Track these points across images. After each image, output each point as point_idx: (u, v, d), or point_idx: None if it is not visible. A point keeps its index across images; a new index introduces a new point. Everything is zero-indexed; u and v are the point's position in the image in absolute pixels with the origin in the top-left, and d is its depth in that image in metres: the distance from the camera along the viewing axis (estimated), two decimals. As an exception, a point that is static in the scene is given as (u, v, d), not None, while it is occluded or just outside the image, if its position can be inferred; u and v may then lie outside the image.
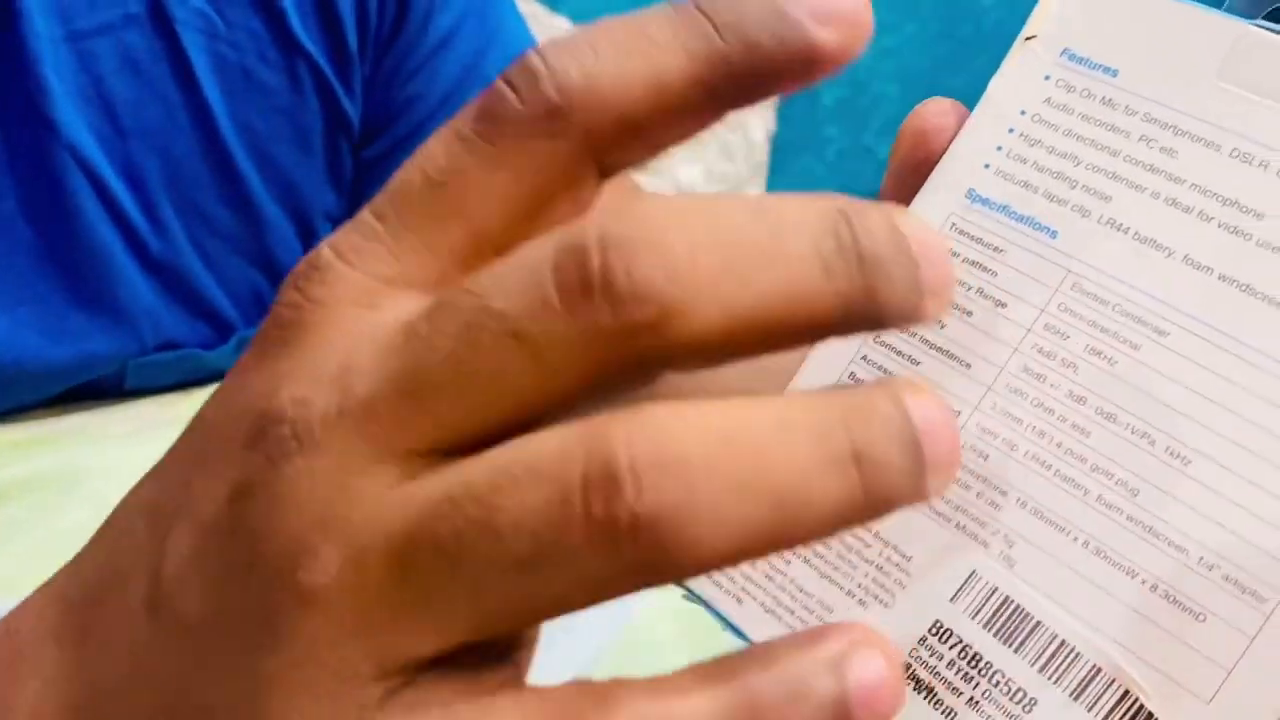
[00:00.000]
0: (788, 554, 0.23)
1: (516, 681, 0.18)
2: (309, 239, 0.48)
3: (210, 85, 0.44)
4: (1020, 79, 0.24)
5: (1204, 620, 0.20)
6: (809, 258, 0.15)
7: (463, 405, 0.16)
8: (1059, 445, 0.22)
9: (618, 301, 0.15)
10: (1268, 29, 0.20)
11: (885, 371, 0.24)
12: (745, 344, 0.16)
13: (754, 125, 1.38)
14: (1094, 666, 0.20)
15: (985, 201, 0.24)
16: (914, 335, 0.23)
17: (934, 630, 0.22)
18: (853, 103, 1.54)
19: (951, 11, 1.55)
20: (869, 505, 0.16)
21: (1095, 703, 0.20)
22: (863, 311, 0.15)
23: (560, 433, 0.16)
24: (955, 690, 0.21)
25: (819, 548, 0.23)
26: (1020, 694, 0.21)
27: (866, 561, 0.23)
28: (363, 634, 0.16)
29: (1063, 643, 0.21)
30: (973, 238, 0.23)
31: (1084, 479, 0.21)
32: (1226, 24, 0.21)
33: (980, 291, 0.23)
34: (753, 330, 0.15)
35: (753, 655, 0.16)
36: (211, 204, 0.45)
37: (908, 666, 0.22)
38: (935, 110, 0.24)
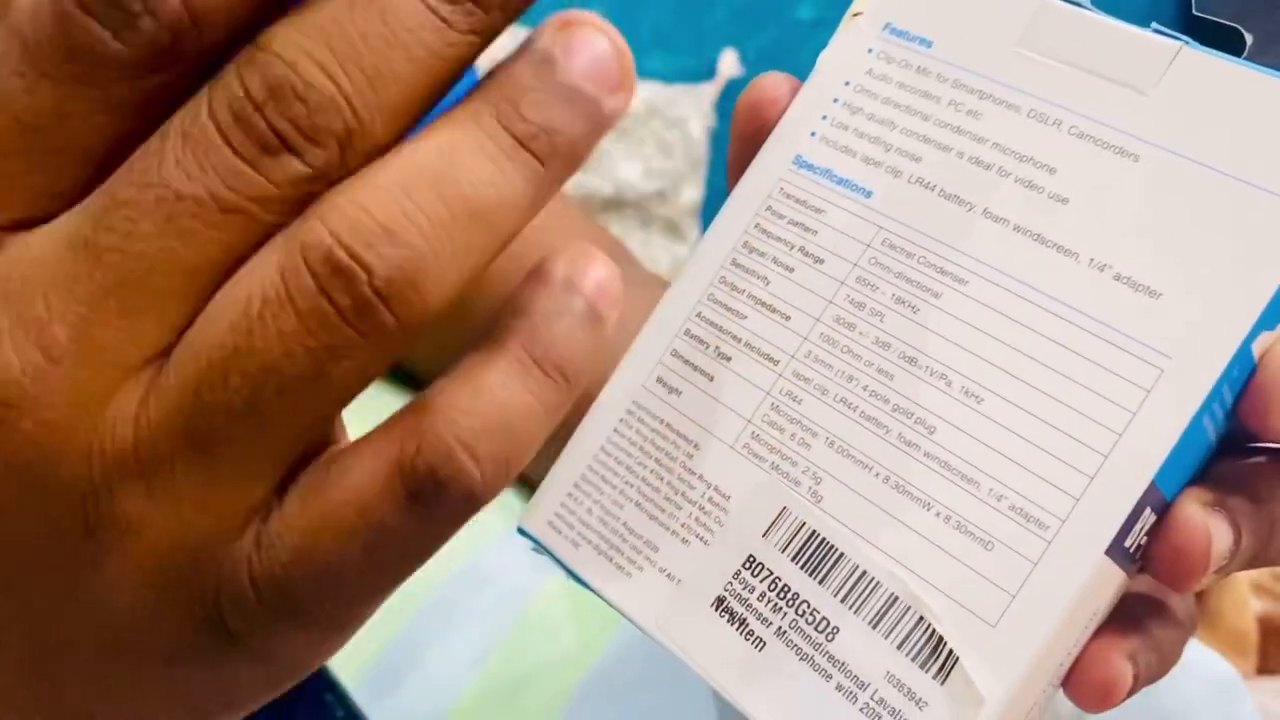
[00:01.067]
0: (620, 499, 0.25)
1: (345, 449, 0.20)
2: None
3: None
4: (846, 52, 0.26)
5: (992, 548, 0.22)
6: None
7: (169, 296, 0.17)
8: (865, 388, 0.23)
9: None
10: (1065, 2, 0.22)
11: (718, 328, 0.25)
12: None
13: (693, 121, 1.38)
14: (892, 595, 0.22)
15: (810, 166, 0.26)
16: (742, 293, 0.25)
17: (747, 564, 0.23)
18: (792, 98, 1.55)
19: (889, 6, 1.56)
20: (563, 164, 0.19)
21: (893, 629, 0.22)
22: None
23: (268, 258, 0.17)
24: (765, 620, 0.23)
25: (649, 491, 0.25)
26: (824, 623, 0.22)
27: (690, 503, 0.24)
28: (200, 518, 0.18)
29: (864, 573, 0.22)
30: (798, 200, 0.25)
31: (886, 419, 0.23)
32: (1152, 43, 0.23)
33: (802, 250, 0.25)
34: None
35: (516, 321, 0.20)
36: None
37: (722, 600, 0.23)
38: (770, 83, 0.26)
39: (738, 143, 0.27)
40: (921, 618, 0.22)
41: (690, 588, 0.23)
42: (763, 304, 0.25)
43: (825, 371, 0.24)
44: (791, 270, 0.25)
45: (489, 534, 0.45)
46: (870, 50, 0.25)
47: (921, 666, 0.22)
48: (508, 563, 0.43)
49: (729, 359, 0.25)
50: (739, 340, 0.25)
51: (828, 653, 0.22)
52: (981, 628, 0.21)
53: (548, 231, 0.54)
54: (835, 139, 0.25)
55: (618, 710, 0.38)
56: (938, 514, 0.22)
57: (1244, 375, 0.22)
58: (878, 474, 0.23)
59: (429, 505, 0.19)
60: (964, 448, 0.22)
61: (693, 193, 1.42)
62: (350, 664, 0.40)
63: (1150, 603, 0.26)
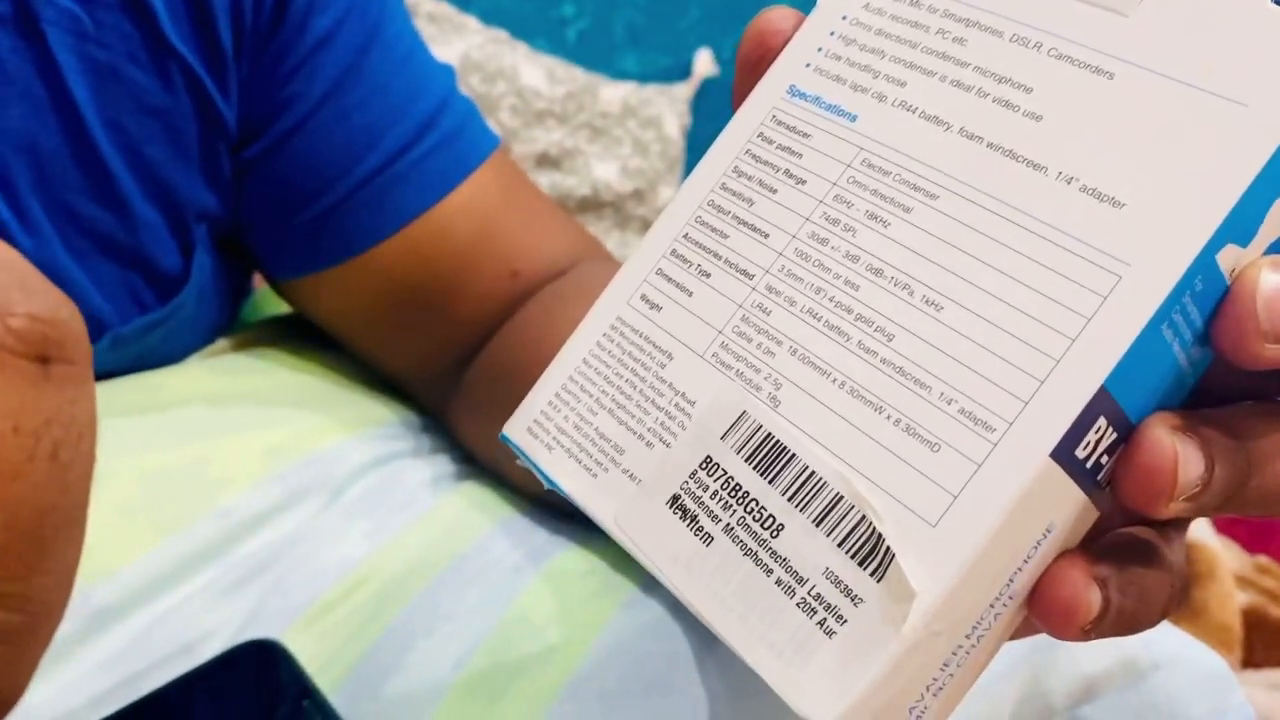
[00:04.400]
0: (595, 407, 0.26)
1: None
2: (184, 238, 0.46)
3: (78, 84, 0.42)
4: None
5: (938, 450, 0.22)
6: None
7: None
8: (831, 299, 0.24)
9: None
10: None
11: (702, 248, 0.26)
12: None
13: (668, 121, 1.37)
14: (837, 494, 0.22)
15: (802, 95, 0.26)
16: (727, 214, 0.26)
17: (703, 464, 0.24)
18: (768, 97, 1.54)
19: (863, 4, 1.56)
20: None
21: (835, 528, 0.22)
22: None
23: None
24: (714, 517, 0.24)
25: (623, 399, 0.26)
26: (770, 520, 0.23)
27: (658, 409, 0.25)
28: None
29: (812, 473, 0.23)
30: (787, 127, 0.26)
31: (848, 328, 0.23)
32: None
33: (786, 172, 0.25)
34: None
35: None
36: (82, 202, 0.43)
37: (676, 498, 0.24)
38: (777, 16, 0.27)
39: (741, 72, 0.27)
40: (864, 517, 0.22)
41: (649, 487, 0.24)
42: (744, 224, 0.26)
43: (795, 284, 0.25)
44: (775, 192, 0.26)
45: (473, 533, 0.44)
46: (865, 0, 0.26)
47: (860, 564, 0.22)
48: (491, 561, 0.43)
49: (709, 275, 0.26)
50: (719, 258, 0.26)
51: (771, 549, 0.23)
52: (922, 528, 0.22)
53: (526, 229, 0.53)
54: (827, 69, 0.26)
55: (604, 709, 0.38)
56: (889, 417, 0.22)
57: (1212, 292, 0.22)
58: (835, 380, 0.23)
59: None
60: (920, 354, 0.22)
61: (669, 192, 1.41)
62: (330, 668, 0.39)
63: (1134, 541, 0.25)
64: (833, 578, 0.22)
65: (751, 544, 0.23)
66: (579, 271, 0.51)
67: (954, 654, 0.22)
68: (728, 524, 0.23)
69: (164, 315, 0.47)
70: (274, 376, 0.50)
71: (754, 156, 0.26)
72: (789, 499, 0.23)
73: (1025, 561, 0.22)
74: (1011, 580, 0.22)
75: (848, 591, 0.22)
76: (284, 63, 0.46)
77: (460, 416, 0.51)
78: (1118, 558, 0.23)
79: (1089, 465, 0.22)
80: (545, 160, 1.30)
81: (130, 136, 0.43)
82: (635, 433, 0.25)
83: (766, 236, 0.25)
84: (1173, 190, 0.22)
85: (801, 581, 0.22)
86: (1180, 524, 0.26)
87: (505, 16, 1.35)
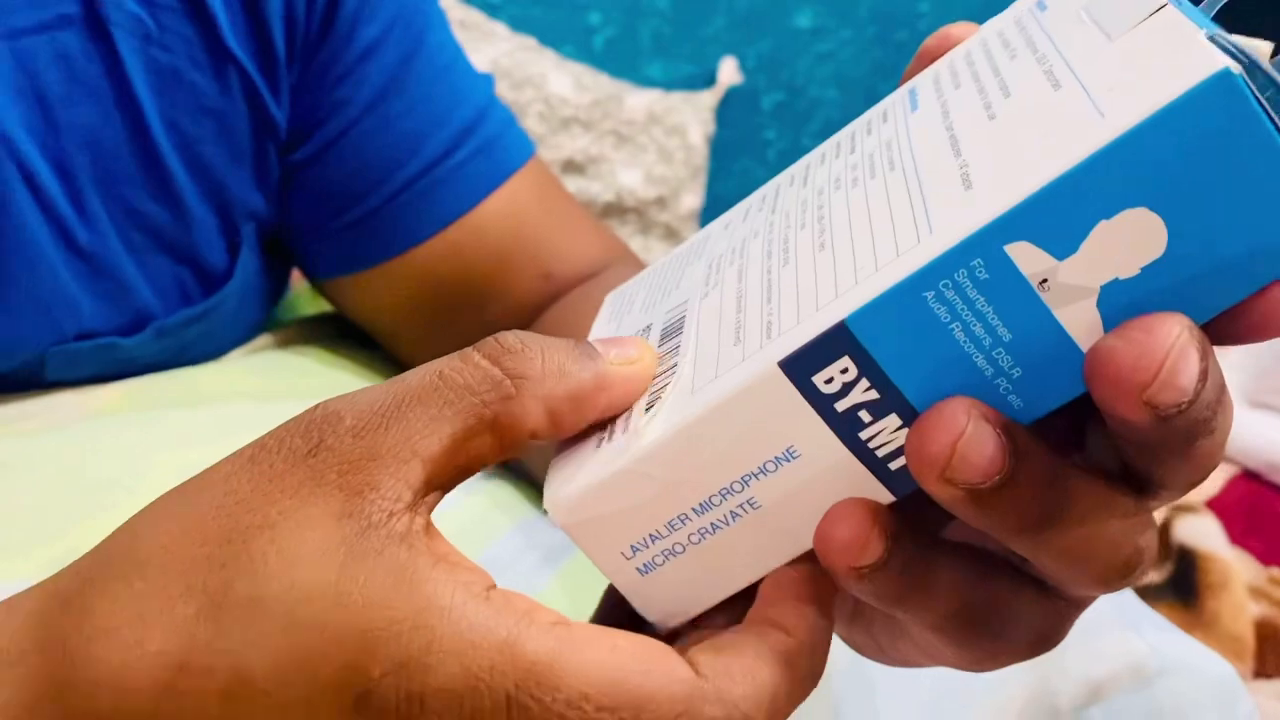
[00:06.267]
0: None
1: None
2: (232, 236, 0.48)
3: (141, 85, 0.44)
4: (1000, 19, 0.28)
5: (737, 345, 0.24)
6: None
7: None
8: (755, 233, 0.28)
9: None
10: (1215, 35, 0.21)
11: (766, 198, 0.30)
12: None
13: (692, 128, 1.38)
14: (677, 359, 0.26)
15: (912, 93, 0.28)
16: (804, 167, 0.29)
17: (643, 330, 0.28)
18: (791, 106, 1.55)
19: (888, 17, 1.57)
20: None
21: (657, 380, 0.26)
22: None
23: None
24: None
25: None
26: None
27: (660, 290, 0.30)
28: None
29: (679, 345, 0.26)
30: (878, 114, 0.28)
31: (774, 254, 0.26)
32: None
33: (850, 144, 0.28)
34: None
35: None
36: (140, 198, 0.45)
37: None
38: (963, 27, 0.29)
39: (917, 57, 0.29)
40: (673, 375, 0.25)
41: None
42: (805, 178, 0.28)
43: (752, 225, 0.28)
44: (836, 157, 0.28)
45: (492, 535, 0.45)
46: (1014, 15, 0.27)
47: (647, 408, 0.25)
48: (506, 563, 0.44)
49: (760, 209, 0.29)
50: (777, 196, 0.30)
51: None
52: (687, 393, 0.24)
53: (558, 233, 0.55)
54: (939, 74, 0.28)
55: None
56: (739, 315, 0.25)
57: (1005, 289, 0.22)
58: (740, 286, 0.26)
59: None
60: (789, 281, 0.24)
61: (692, 199, 1.43)
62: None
63: (972, 546, 0.25)
64: (631, 414, 0.25)
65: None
66: (607, 275, 0.52)
67: (680, 519, 0.24)
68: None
69: (206, 309, 0.48)
70: (311, 374, 0.51)
71: (853, 135, 0.29)
72: (664, 360, 0.26)
73: (761, 470, 0.24)
74: (746, 480, 0.24)
75: (627, 424, 0.25)
76: (332, 70, 0.48)
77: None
78: (923, 534, 0.24)
79: (839, 409, 0.23)
80: (571, 166, 1.32)
81: (188, 136, 0.45)
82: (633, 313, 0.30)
83: (791, 184, 0.28)
84: (1000, 181, 0.22)
85: (623, 416, 0.26)
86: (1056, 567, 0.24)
87: (533, 24, 1.37)
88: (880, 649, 0.28)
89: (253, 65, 0.45)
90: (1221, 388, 0.22)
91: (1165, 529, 0.91)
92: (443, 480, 0.24)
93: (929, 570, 0.24)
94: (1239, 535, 0.93)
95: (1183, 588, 0.86)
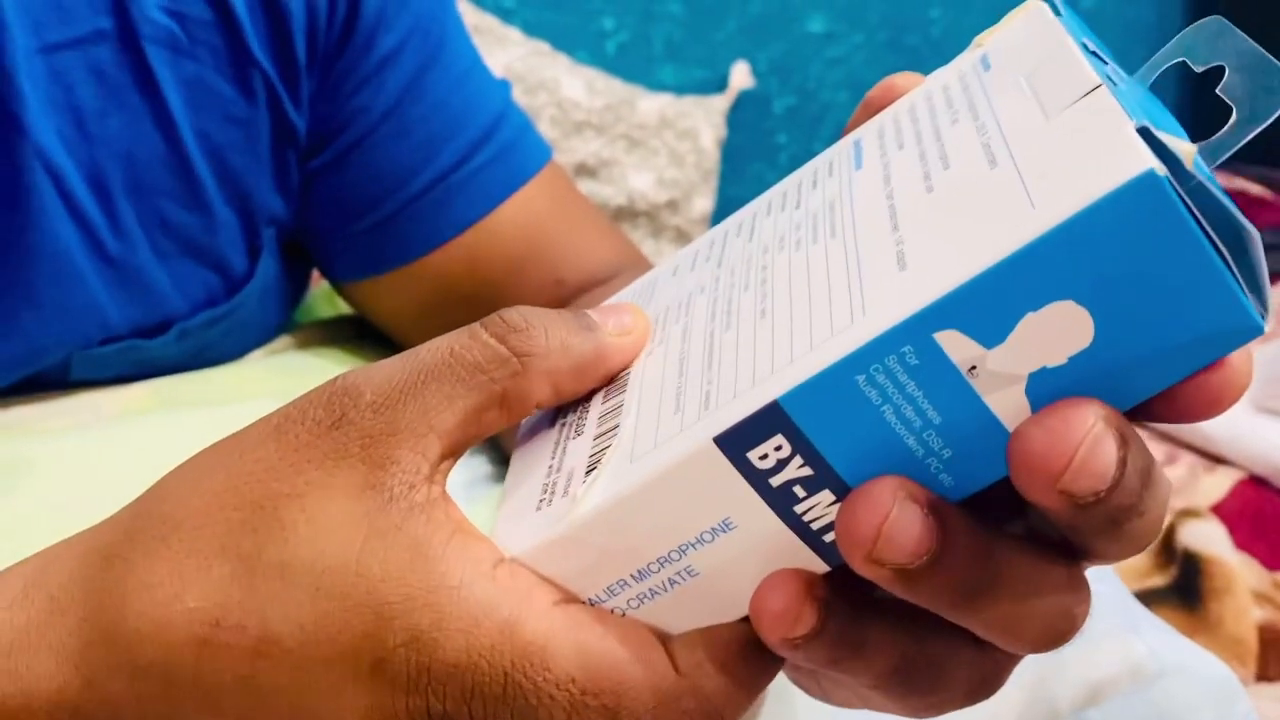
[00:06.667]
0: None
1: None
2: (253, 240, 0.49)
3: (173, 96, 0.45)
4: (945, 71, 0.28)
5: (677, 413, 0.25)
6: None
7: None
8: (701, 288, 0.28)
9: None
10: (1143, 128, 0.21)
11: (719, 242, 0.30)
12: None
13: (704, 132, 1.39)
14: (619, 422, 0.26)
15: (856, 144, 0.28)
16: (757, 209, 0.30)
17: (585, 402, 0.28)
18: (803, 110, 1.56)
19: (899, 21, 1.57)
20: None
21: (596, 441, 0.26)
22: None
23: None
24: (563, 423, 0.28)
25: None
26: (580, 428, 0.27)
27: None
28: None
29: (621, 403, 0.26)
30: (824, 164, 0.29)
31: (720, 316, 0.26)
32: (1086, 76, 0.23)
33: (798, 195, 0.29)
34: None
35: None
36: (170, 208, 0.46)
37: (557, 420, 0.28)
38: (907, 77, 0.29)
39: (862, 107, 0.30)
40: (615, 436, 0.26)
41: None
42: (751, 229, 0.29)
43: (699, 276, 0.29)
44: (782, 209, 0.29)
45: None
46: (958, 70, 0.28)
47: (586, 471, 0.25)
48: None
49: (708, 259, 0.30)
50: (724, 247, 0.30)
51: (564, 448, 0.27)
52: (626, 460, 0.25)
53: (571, 239, 0.56)
54: (884, 128, 0.28)
55: None
56: (680, 380, 0.26)
57: (934, 375, 0.22)
58: (683, 347, 0.26)
59: None
60: (729, 347, 0.25)
61: (704, 203, 1.44)
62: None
63: (896, 605, 0.25)
64: (571, 474, 0.26)
65: (564, 435, 0.27)
66: (618, 281, 0.53)
67: (619, 584, 0.25)
68: (562, 433, 0.27)
69: (228, 310, 0.49)
70: (330, 374, 0.52)
71: (799, 183, 0.29)
72: (599, 419, 0.26)
73: (699, 540, 0.24)
74: (683, 550, 0.24)
75: (568, 485, 0.25)
76: (350, 78, 0.49)
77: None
78: (856, 597, 0.24)
79: (774, 484, 0.23)
80: (583, 170, 1.33)
81: (215, 144, 0.46)
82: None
83: (750, 238, 0.29)
84: (931, 266, 0.22)
85: (559, 471, 0.26)
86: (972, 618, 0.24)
87: (547, 29, 1.38)
88: (823, 691, 0.29)
89: (275, 73, 0.47)
90: (1147, 472, 0.22)
91: (1170, 533, 0.92)
92: (456, 450, 0.25)
93: (862, 634, 0.24)
94: (1244, 540, 0.94)
95: (1187, 592, 0.87)
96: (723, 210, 1.45)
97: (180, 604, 0.24)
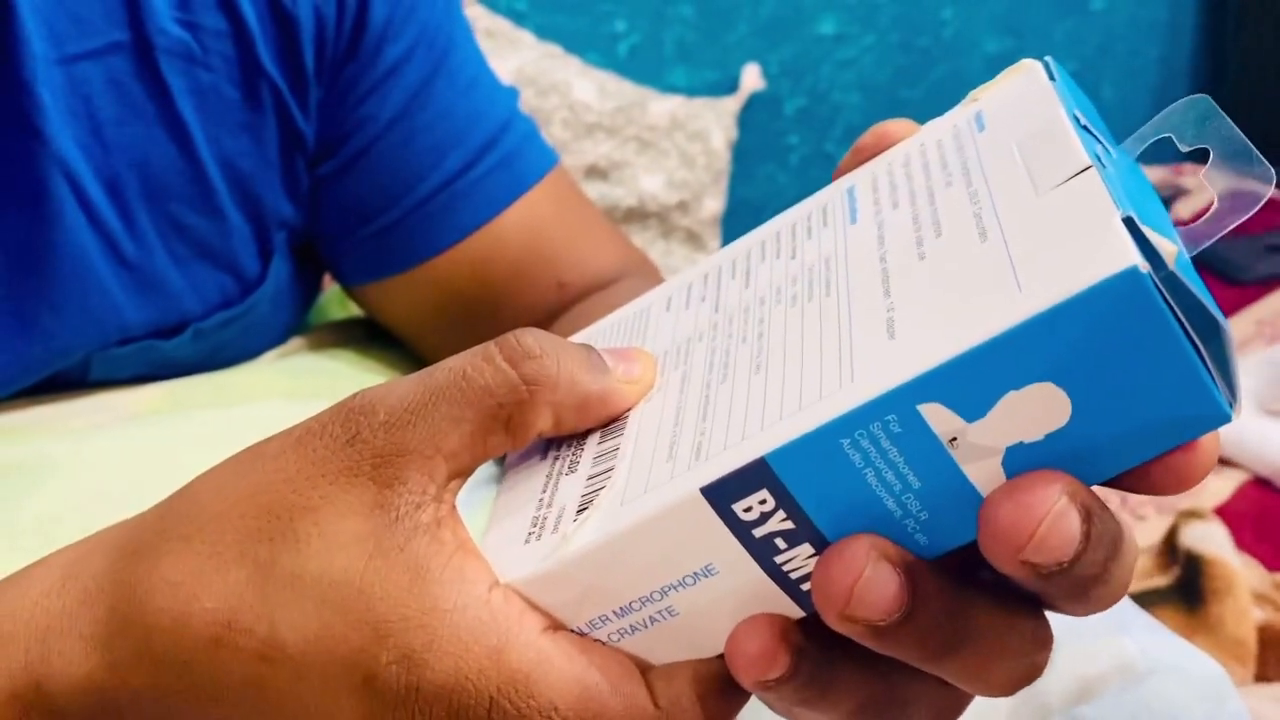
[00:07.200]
0: None
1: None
2: (265, 244, 0.51)
3: (186, 105, 0.46)
4: (939, 125, 0.29)
5: (669, 461, 0.25)
6: None
7: None
8: (699, 335, 0.29)
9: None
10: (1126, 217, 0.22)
11: (714, 283, 0.30)
12: None
13: (714, 133, 1.40)
14: (613, 465, 0.27)
15: (850, 193, 0.29)
16: (748, 258, 0.30)
17: (585, 437, 0.29)
18: (813, 111, 1.57)
19: (910, 23, 1.58)
20: None
21: (590, 482, 0.27)
22: None
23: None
24: (556, 456, 0.29)
25: None
26: (575, 464, 0.28)
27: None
28: None
29: (616, 446, 0.27)
30: (824, 211, 0.30)
31: (716, 368, 0.27)
32: (1076, 156, 0.24)
33: (791, 245, 0.29)
34: None
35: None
36: (185, 212, 0.48)
37: (549, 452, 0.29)
38: (900, 125, 0.30)
39: (853, 153, 0.30)
40: (609, 478, 0.26)
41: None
42: (746, 272, 0.30)
43: (696, 323, 0.29)
44: (777, 256, 0.29)
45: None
46: (953, 126, 0.28)
47: (578, 510, 0.26)
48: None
49: (703, 299, 0.30)
50: (719, 287, 0.30)
51: (556, 483, 0.27)
52: (618, 502, 0.26)
53: (575, 244, 0.57)
54: (877, 180, 0.29)
55: None
56: (675, 428, 0.26)
57: (916, 444, 0.23)
58: (680, 397, 0.27)
59: None
60: (723, 399, 0.26)
61: (714, 204, 1.45)
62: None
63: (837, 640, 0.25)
64: (563, 511, 0.26)
65: (558, 473, 0.28)
66: (621, 286, 0.55)
67: (602, 617, 0.26)
68: (554, 469, 0.28)
69: (241, 311, 0.51)
70: (341, 376, 0.54)
71: (793, 227, 0.30)
72: (594, 459, 0.27)
73: (680, 583, 0.25)
74: (665, 591, 0.25)
75: (558, 522, 0.26)
76: (357, 86, 0.50)
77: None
78: (820, 640, 0.25)
79: (757, 535, 0.24)
80: (594, 172, 1.34)
81: (227, 150, 0.48)
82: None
83: (747, 286, 0.29)
84: (919, 339, 0.23)
85: (549, 506, 0.27)
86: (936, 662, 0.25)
87: (559, 32, 1.39)
88: (790, 715, 0.29)
89: (284, 82, 0.48)
90: (1114, 544, 0.23)
91: (1171, 534, 0.93)
92: (464, 471, 0.26)
93: (832, 676, 0.25)
94: (1248, 541, 0.94)
95: (1188, 592, 0.87)
96: (733, 211, 1.45)
97: (198, 603, 0.26)
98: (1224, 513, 0.98)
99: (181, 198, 0.47)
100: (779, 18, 1.52)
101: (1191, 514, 0.94)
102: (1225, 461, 1.05)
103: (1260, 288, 1.34)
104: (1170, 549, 0.92)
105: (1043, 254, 0.23)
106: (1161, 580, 0.89)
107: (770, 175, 1.57)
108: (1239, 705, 0.49)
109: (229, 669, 0.25)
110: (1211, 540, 0.89)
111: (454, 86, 0.52)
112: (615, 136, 1.34)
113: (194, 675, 0.26)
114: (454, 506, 0.26)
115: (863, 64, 1.57)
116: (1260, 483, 1.03)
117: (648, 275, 0.57)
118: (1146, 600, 0.85)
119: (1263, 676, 0.84)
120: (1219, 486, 1.02)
